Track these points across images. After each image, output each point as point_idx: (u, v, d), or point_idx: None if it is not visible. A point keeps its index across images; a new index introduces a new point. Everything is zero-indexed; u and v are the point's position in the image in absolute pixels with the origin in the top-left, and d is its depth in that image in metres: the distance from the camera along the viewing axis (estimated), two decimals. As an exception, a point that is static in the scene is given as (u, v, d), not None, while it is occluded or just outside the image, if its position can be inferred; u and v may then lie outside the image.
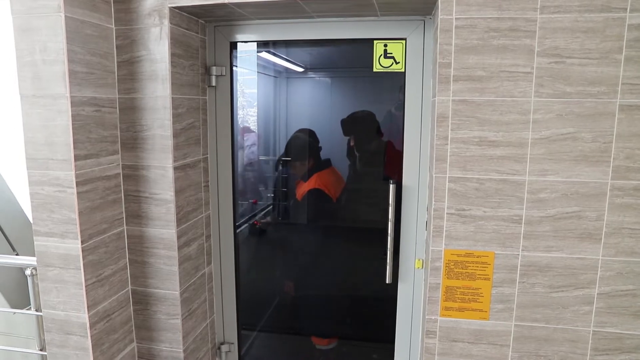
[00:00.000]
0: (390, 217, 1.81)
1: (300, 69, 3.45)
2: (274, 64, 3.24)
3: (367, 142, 2.44)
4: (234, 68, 2.01)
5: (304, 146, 2.45)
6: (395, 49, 1.78)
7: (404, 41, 1.77)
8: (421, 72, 1.76)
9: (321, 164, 2.40)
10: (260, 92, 3.06)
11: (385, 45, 1.78)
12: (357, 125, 2.42)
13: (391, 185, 1.79)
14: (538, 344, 1.58)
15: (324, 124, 2.57)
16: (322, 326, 2.52)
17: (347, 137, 2.38)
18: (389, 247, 1.83)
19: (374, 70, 1.82)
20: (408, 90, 1.79)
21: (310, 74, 3.56)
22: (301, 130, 2.56)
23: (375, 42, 1.79)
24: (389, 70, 1.80)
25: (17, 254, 2.26)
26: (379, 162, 2.34)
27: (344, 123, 2.42)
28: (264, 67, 3.25)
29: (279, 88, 3.57)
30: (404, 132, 1.82)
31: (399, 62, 1.78)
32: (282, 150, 2.62)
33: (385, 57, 1.79)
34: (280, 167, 2.62)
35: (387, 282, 1.86)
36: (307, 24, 1.84)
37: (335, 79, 3.51)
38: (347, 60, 3.07)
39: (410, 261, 1.89)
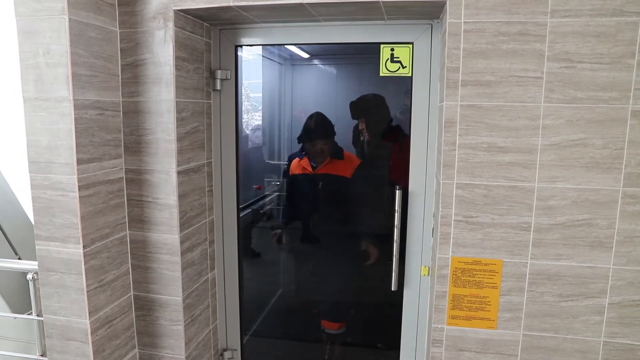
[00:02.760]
0: (396, 222, 1.78)
1: (306, 55, 3.42)
2: (279, 49, 3.21)
3: (377, 126, 2.41)
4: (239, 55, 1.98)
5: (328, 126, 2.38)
6: (402, 53, 1.75)
7: (411, 45, 1.74)
8: (428, 77, 1.73)
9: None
10: (265, 78, 3.06)
11: (392, 50, 1.76)
12: (367, 108, 2.39)
13: (397, 190, 1.76)
14: (547, 354, 1.55)
15: (329, 110, 2.51)
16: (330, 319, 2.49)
17: (353, 125, 2.34)
18: (394, 253, 1.80)
19: (381, 74, 1.79)
20: (415, 95, 1.76)
21: (315, 61, 3.54)
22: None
23: (382, 46, 1.77)
24: (396, 75, 1.78)
25: (19, 258, 2.25)
26: (388, 148, 2.31)
27: (353, 105, 2.39)
28: (269, 52, 3.23)
29: (284, 75, 3.55)
30: (411, 138, 1.79)
31: (405, 67, 1.76)
32: (286, 133, 2.61)
33: (392, 61, 1.77)
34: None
35: (392, 289, 1.83)
36: (313, 28, 1.82)
37: (341, 66, 3.48)
38: (354, 47, 3.04)
39: (416, 268, 1.86)
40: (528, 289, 1.53)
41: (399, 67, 1.77)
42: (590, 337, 1.51)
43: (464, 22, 1.44)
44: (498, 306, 1.56)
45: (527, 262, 1.52)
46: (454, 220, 1.54)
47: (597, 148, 1.43)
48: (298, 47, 3.12)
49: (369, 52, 3.20)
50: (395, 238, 1.79)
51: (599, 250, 1.47)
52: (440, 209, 1.54)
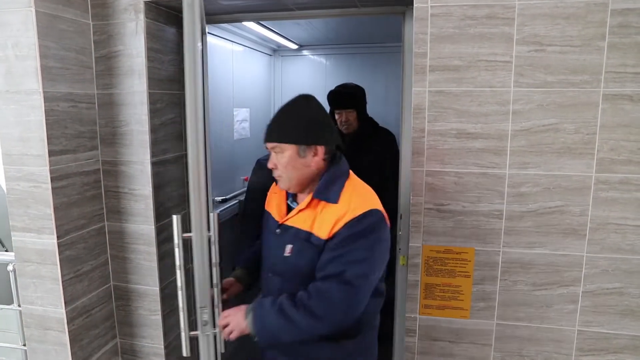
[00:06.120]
0: (177, 262, 1.58)
1: (295, 46, 3.39)
2: (267, 41, 3.18)
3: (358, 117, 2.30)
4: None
5: None
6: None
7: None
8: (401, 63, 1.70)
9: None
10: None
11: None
12: (350, 99, 2.27)
13: (174, 217, 1.32)
14: (521, 343, 1.52)
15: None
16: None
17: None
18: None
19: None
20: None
21: (305, 52, 3.52)
22: None
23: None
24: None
25: (6, 250, 2.28)
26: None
27: (334, 95, 2.28)
28: (257, 44, 3.22)
29: (273, 66, 3.51)
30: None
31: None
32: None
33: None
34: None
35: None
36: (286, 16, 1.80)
37: (330, 56, 3.45)
38: (344, 38, 2.99)
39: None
40: (501, 277, 1.51)
41: None
42: (565, 326, 1.48)
43: (431, 6, 1.42)
44: (471, 295, 1.54)
45: (499, 251, 1.49)
46: (425, 209, 1.52)
47: (569, 133, 1.40)
48: (286, 39, 3.10)
49: (358, 42, 3.18)
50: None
51: (572, 238, 1.44)
52: (411, 197, 1.52)
